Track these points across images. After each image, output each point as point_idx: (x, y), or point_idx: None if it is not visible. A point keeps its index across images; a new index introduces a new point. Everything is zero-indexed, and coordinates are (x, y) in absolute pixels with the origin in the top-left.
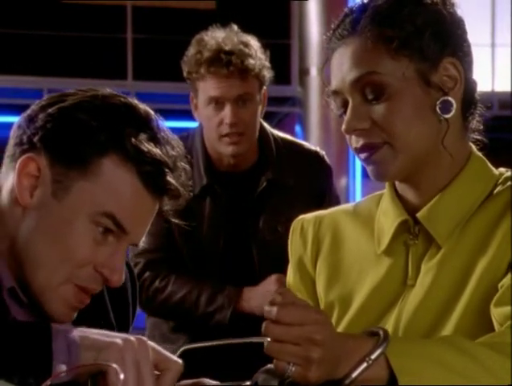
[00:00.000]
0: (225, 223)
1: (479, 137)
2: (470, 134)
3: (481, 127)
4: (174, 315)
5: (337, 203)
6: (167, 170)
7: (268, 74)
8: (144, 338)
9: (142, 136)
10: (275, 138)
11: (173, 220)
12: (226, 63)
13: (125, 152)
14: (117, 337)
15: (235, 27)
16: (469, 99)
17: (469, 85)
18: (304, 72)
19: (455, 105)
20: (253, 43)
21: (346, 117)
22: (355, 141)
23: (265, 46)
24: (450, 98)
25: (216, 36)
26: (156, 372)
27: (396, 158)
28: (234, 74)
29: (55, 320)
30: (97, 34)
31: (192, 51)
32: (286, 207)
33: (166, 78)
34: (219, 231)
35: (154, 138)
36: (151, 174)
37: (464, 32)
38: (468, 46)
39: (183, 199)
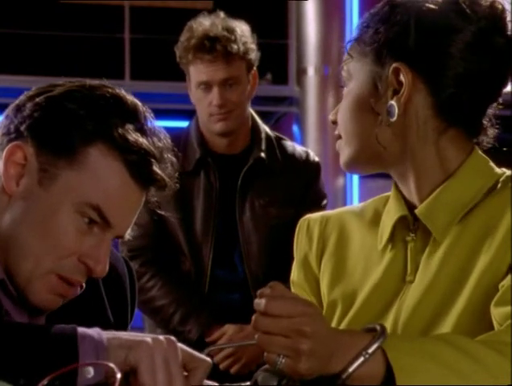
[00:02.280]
0: (217, 202)
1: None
2: (472, 136)
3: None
4: (149, 316)
5: (322, 199)
6: (153, 160)
7: (255, 56)
8: (173, 338)
9: (129, 126)
10: (267, 131)
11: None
12: (209, 48)
13: (112, 141)
14: (146, 336)
15: (221, 14)
16: (449, 105)
17: (444, 92)
18: (302, 72)
19: (396, 110)
20: (239, 28)
21: None
22: None
23: (262, 46)
24: (394, 102)
25: (203, 23)
26: (184, 373)
27: (345, 151)
28: (218, 58)
29: (41, 308)
30: (94, 34)
31: (182, 38)
32: (269, 189)
33: (163, 78)
34: (212, 210)
35: (141, 129)
36: (138, 163)
37: (432, 42)
38: (438, 57)
39: (170, 190)
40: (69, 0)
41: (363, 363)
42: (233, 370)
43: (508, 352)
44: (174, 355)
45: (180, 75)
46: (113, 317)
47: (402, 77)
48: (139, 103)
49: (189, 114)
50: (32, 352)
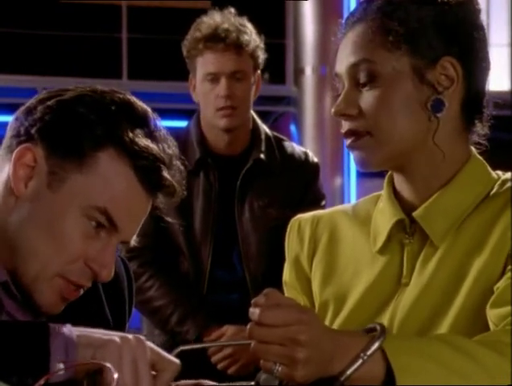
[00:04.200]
0: (216, 202)
1: (481, 141)
2: (471, 136)
3: (486, 131)
4: (147, 317)
5: (321, 200)
6: (162, 166)
7: (262, 56)
8: (142, 337)
9: (139, 131)
10: (266, 131)
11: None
12: (223, 38)
13: (121, 146)
14: (115, 335)
15: (232, 10)
16: (472, 101)
17: (474, 88)
18: (299, 72)
19: (447, 105)
20: (249, 25)
21: (337, 101)
22: (343, 126)
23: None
24: (442, 97)
25: (214, 17)
26: (153, 372)
27: (377, 149)
28: (230, 48)
29: (44, 310)
30: (92, 34)
31: (191, 32)
32: (269, 190)
33: (161, 77)
34: (211, 211)
35: (151, 135)
36: (147, 168)
37: (472, 35)
38: (478, 49)
39: (178, 196)
40: (67, 0)
41: (361, 364)
42: (230, 370)
43: (507, 352)
44: (142, 354)
45: (178, 75)
46: (111, 317)
47: (451, 71)
48: (149, 109)
49: (187, 114)
50: (2, 348)
